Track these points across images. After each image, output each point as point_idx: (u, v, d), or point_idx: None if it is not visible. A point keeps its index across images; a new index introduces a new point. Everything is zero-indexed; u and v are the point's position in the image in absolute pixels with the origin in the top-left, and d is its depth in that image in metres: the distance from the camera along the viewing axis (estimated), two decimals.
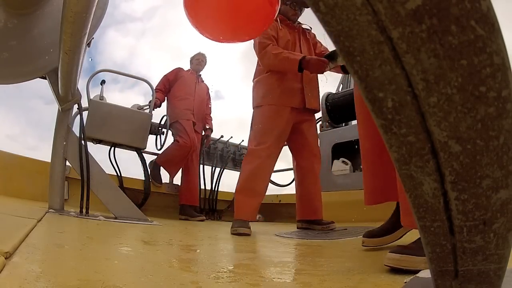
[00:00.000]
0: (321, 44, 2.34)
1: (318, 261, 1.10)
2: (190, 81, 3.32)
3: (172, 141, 3.11)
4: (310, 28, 2.35)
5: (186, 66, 3.48)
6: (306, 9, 2.27)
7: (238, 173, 3.55)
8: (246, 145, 3.70)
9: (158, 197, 3.00)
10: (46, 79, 1.95)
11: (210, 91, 3.52)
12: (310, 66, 1.89)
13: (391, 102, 0.28)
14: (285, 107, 2.02)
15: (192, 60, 3.51)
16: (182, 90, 3.23)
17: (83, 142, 2.01)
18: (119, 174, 2.82)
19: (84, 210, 1.93)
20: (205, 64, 3.52)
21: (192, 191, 3.07)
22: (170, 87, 3.27)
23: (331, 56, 1.88)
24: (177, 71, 3.36)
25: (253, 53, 2.11)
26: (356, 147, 2.80)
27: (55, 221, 1.59)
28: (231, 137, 3.45)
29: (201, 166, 3.29)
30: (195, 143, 3.12)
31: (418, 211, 0.34)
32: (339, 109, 2.93)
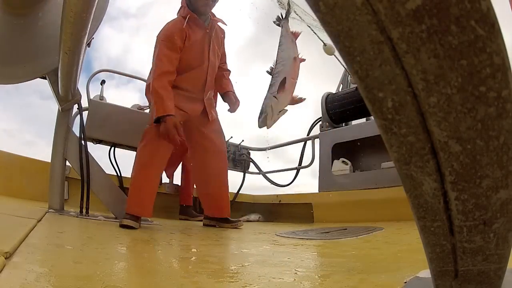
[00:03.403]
0: (226, 58, 2.27)
1: (318, 261, 1.10)
2: None
3: None
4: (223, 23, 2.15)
5: None
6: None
7: (238, 173, 3.57)
8: (246, 145, 3.71)
9: (158, 197, 2.98)
10: (46, 79, 1.95)
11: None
12: (164, 129, 1.81)
13: (391, 102, 0.28)
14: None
15: None
16: None
17: (83, 142, 2.00)
18: (119, 174, 2.82)
19: (84, 210, 1.93)
20: None
21: (189, 193, 3.07)
22: None
23: None
24: None
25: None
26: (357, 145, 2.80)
27: (55, 221, 1.59)
28: (231, 137, 3.44)
29: None
30: None
31: (418, 211, 0.34)
32: (339, 109, 2.93)
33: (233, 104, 2.21)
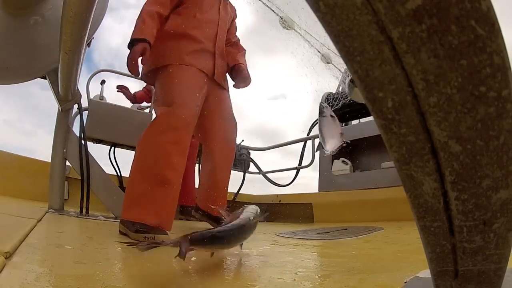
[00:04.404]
0: (236, 30, 1.95)
1: (318, 261, 1.10)
2: None
3: None
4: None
5: None
6: None
7: (238, 173, 3.57)
8: (246, 145, 3.71)
9: None
10: (46, 79, 1.95)
11: None
12: (130, 53, 1.45)
13: (391, 102, 0.28)
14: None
15: None
16: None
17: (83, 142, 2.01)
18: (119, 174, 2.82)
19: (84, 210, 1.93)
20: None
21: (189, 192, 3.07)
22: None
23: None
24: None
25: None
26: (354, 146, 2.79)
27: (55, 221, 1.59)
28: None
29: (199, 165, 3.29)
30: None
31: (418, 211, 0.34)
32: (339, 109, 2.93)
33: (243, 77, 1.82)
